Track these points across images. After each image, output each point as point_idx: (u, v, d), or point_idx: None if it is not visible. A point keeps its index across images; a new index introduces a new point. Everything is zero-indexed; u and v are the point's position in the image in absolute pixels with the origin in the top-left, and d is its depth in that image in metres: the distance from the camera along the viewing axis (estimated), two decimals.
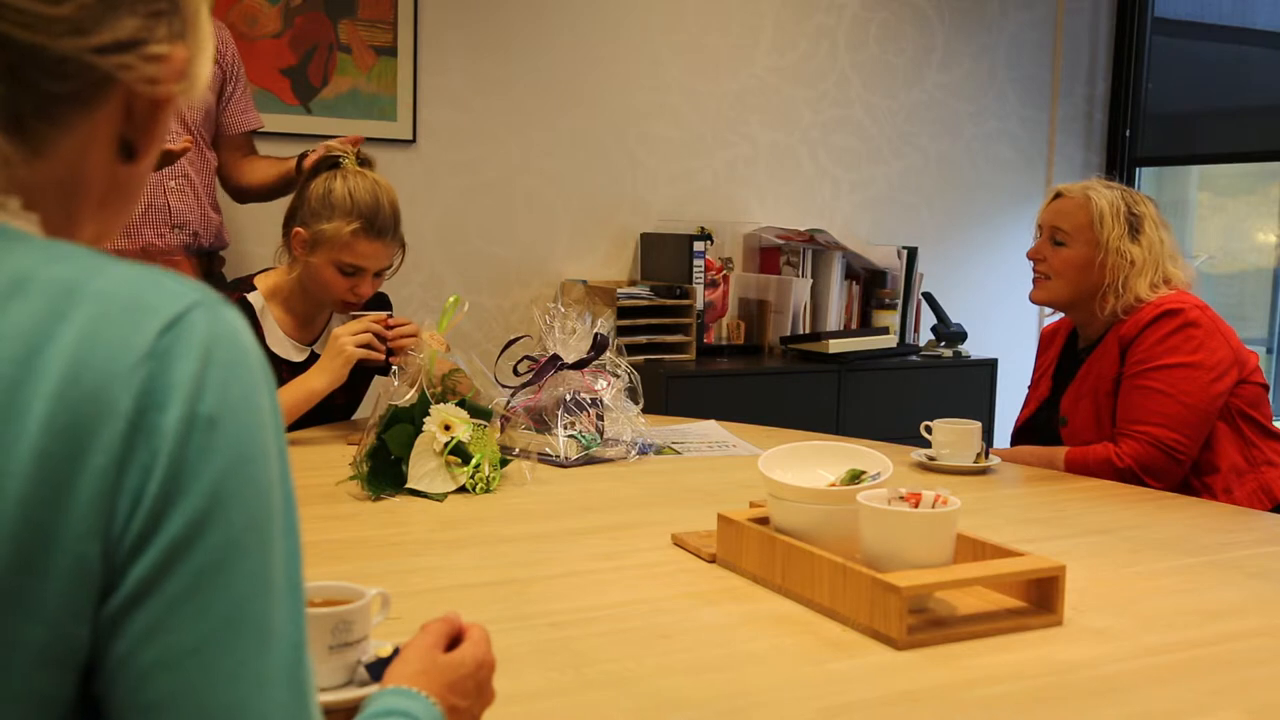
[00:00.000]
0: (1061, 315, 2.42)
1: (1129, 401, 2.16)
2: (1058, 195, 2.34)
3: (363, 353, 2.16)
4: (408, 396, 1.86)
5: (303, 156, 2.57)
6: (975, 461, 2.11)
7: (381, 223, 2.22)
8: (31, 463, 0.58)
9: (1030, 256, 2.34)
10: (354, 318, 2.21)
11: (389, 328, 2.19)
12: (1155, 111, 4.51)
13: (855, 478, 1.44)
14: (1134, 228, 2.25)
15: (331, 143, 2.37)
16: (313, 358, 2.28)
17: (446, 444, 1.83)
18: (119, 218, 0.76)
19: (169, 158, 2.46)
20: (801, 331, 3.77)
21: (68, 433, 0.58)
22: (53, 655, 0.59)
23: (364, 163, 2.29)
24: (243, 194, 2.89)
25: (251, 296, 2.27)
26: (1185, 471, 2.14)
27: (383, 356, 2.18)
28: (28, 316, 0.60)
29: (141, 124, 0.71)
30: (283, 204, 2.33)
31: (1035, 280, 2.34)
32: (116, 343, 0.60)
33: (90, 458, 0.58)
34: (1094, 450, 2.16)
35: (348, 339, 2.15)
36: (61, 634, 0.59)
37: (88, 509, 0.58)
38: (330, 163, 2.27)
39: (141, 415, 0.59)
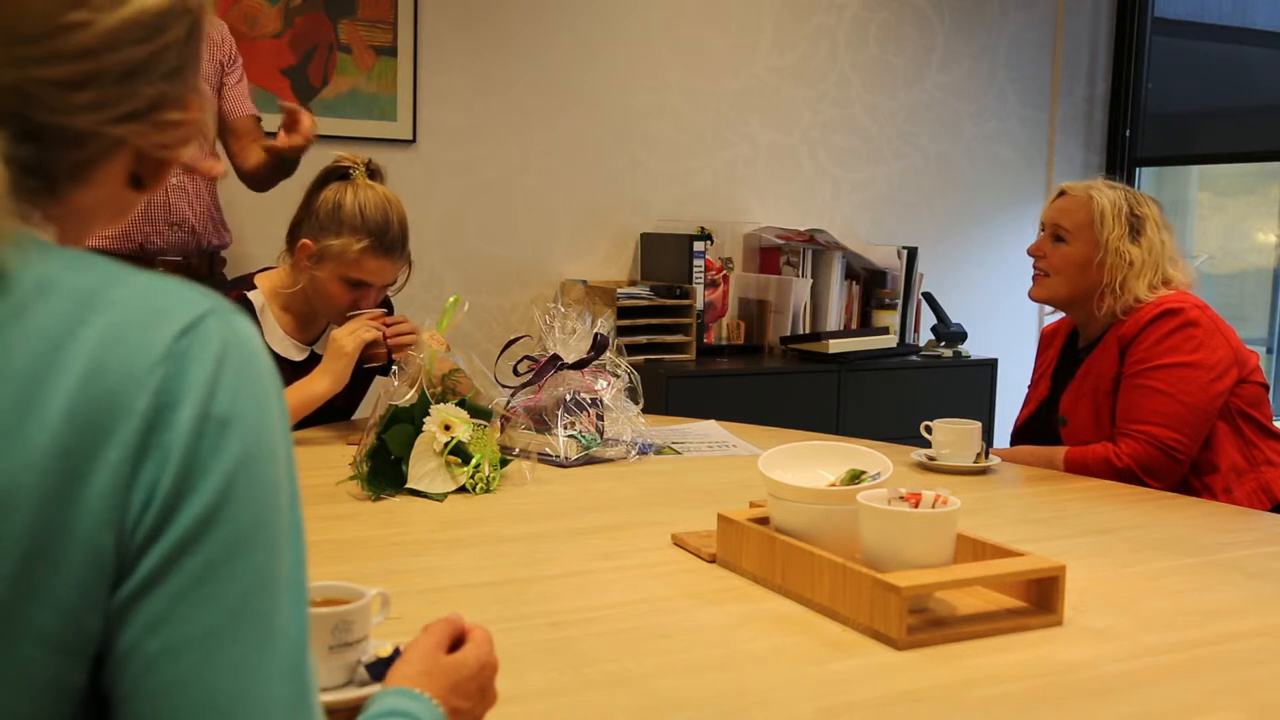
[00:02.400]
0: (1062, 315, 2.42)
1: (1128, 401, 2.16)
2: (1061, 193, 2.34)
3: (366, 336, 2.15)
4: (408, 396, 1.86)
5: (273, 135, 2.52)
6: (975, 461, 2.11)
7: (390, 240, 2.19)
8: (50, 456, 0.60)
9: (1030, 253, 2.34)
10: (351, 318, 2.20)
11: (387, 324, 2.18)
12: (1155, 111, 4.51)
13: (855, 478, 1.44)
14: (1135, 229, 2.24)
15: (341, 154, 2.29)
16: (312, 357, 2.28)
17: (446, 444, 1.83)
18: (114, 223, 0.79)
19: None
20: (801, 331, 3.77)
21: (87, 428, 0.61)
22: (66, 643, 0.61)
23: (373, 174, 2.24)
24: (249, 181, 2.81)
25: (252, 295, 2.26)
26: (1185, 471, 2.13)
27: (384, 348, 2.17)
28: (52, 318, 0.62)
29: (152, 169, 0.75)
30: (285, 204, 2.31)
31: (1034, 277, 2.34)
32: (135, 345, 0.63)
33: (107, 452, 0.61)
34: (1093, 450, 2.16)
35: (347, 338, 2.15)
36: (75, 623, 0.61)
37: (103, 501, 0.61)
38: (339, 173, 2.23)
39: (158, 413, 0.62)
